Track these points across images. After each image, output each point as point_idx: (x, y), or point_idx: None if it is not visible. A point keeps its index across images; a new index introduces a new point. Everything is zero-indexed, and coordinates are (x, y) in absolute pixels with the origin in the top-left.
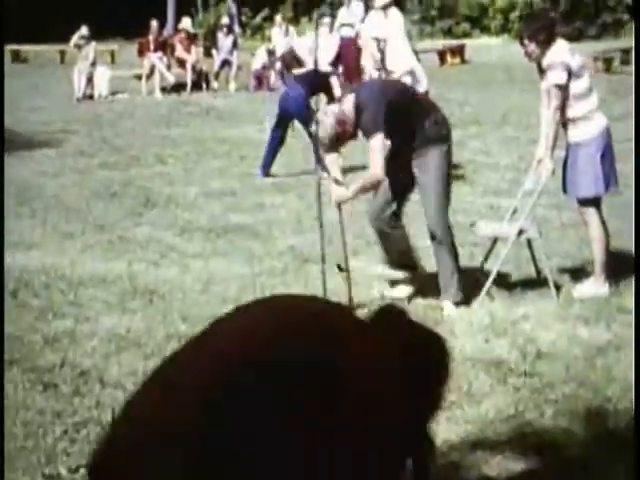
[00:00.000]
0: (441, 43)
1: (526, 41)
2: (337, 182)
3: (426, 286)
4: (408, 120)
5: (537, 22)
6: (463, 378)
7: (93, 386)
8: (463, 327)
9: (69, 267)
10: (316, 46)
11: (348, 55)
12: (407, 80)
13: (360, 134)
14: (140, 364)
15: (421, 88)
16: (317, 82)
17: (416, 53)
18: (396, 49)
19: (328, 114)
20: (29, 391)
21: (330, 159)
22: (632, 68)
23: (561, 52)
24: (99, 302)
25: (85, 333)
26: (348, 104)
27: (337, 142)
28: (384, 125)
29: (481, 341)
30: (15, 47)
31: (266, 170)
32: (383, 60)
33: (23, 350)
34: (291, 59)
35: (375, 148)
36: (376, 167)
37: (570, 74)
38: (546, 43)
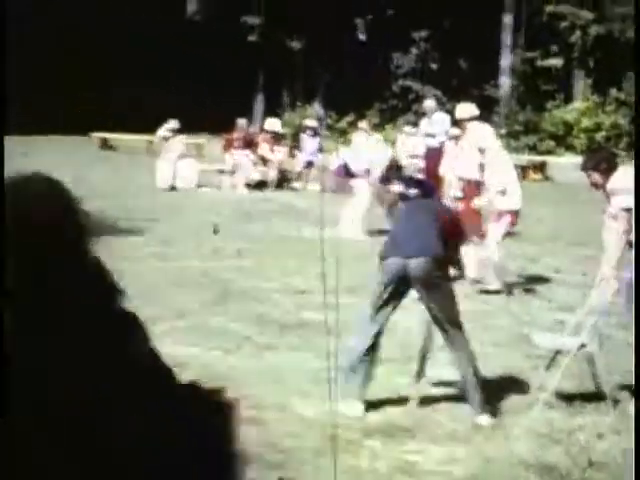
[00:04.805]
0: (524, 158)
1: (590, 172)
2: None
3: None
4: None
5: (598, 154)
6: None
7: None
8: (520, 432)
9: None
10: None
11: (430, 164)
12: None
13: None
14: None
15: (512, 205)
16: None
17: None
18: (494, 164)
19: None
20: None
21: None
22: None
23: (625, 177)
24: None
25: None
26: None
27: None
28: None
29: (537, 447)
30: (103, 135)
31: None
32: (482, 172)
33: None
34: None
35: None
36: None
37: None
38: (608, 171)
